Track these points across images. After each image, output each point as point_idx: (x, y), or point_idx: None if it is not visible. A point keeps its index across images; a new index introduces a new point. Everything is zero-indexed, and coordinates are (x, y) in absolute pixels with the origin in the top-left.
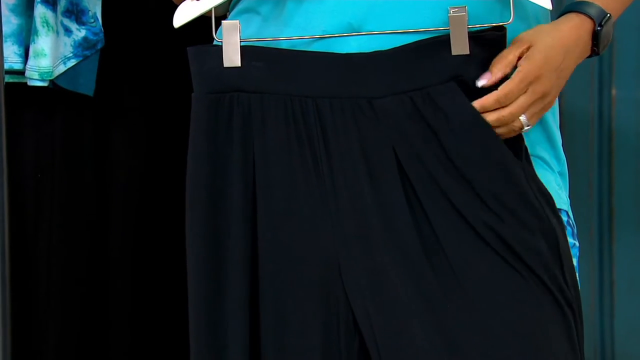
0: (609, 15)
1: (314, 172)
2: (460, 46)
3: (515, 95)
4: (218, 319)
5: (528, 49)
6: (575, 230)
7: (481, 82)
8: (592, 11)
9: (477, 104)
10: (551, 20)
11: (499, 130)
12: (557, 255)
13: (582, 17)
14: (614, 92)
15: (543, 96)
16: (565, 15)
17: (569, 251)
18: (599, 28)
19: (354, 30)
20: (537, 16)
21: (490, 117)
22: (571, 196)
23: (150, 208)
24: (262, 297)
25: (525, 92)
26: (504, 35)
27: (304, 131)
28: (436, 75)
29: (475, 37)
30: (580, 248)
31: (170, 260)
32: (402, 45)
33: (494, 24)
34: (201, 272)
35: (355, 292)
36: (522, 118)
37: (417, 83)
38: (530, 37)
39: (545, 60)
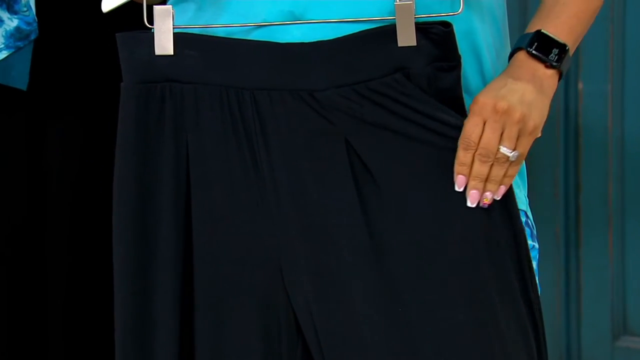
0: (539, 31)
1: (253, 168)
2: (406, 37)
3: (474, 130)
4: (145, 324)
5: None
6: (534, 232)
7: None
8: (520, 41)
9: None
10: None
11: (485, 170)
12: (517, 256)
13: (515, 54)
14: (580, 85)
15: (504, 111)
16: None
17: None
18: (529, 49)
19: (295, 19)
20: (492, 7)
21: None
22: (536, 196)
23: (86, 207)
24: (197, 303)
25: (487, 124)
26: (451, 32)
27: (241, 125)
28: (381, 67)
29: (422, 29)
30: (544, 250)
31: (108, 262)
32: (346, 36)
33: (442, 14)
34: (127, 273)
35: (298, 296)
36: (503, 149)
37: (361, 76)
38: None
39: (485, 90)
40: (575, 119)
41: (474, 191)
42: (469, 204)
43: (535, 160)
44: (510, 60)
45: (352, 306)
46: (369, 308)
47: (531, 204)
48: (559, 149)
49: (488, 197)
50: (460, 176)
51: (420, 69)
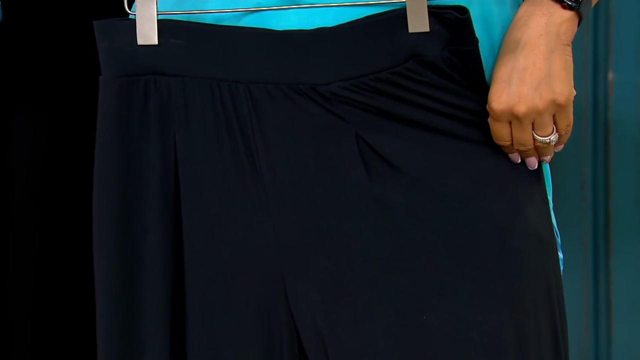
0: None
1: (250, 170)
2: (418, 22)
3: (502, 133)
4: (132, 345)
5: None
6: (559, 240)
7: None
8: None
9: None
10: None
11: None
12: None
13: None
14: (610, 75)
15: (531, 112)
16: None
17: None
18: None
19: (294, 3)
20: None
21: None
22: (560, 200)
23: (55, 209)
24: (189, 321)
25: (512, 125)
26: (468, 19)
27: (235, 122)
28: (391, 56)
29: (435, 14)
30: (570, 261)
31: (78, 269)
32: (351, 22)
33: None
34: (110, 288)
35: (304, 310)
36: (540, 138)
37: (369, 67)
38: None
39: (492, 80)
40: (605, 113)
41: (530, 158)
42: (530, 167)
43: (559, 160)
44: (520, 7)
45: (368, 320)
46: (387, 320)
47: (555, 209)
48: (587, 147)
49: (547, 159)
50: (512, 154)
51: (435, 55)
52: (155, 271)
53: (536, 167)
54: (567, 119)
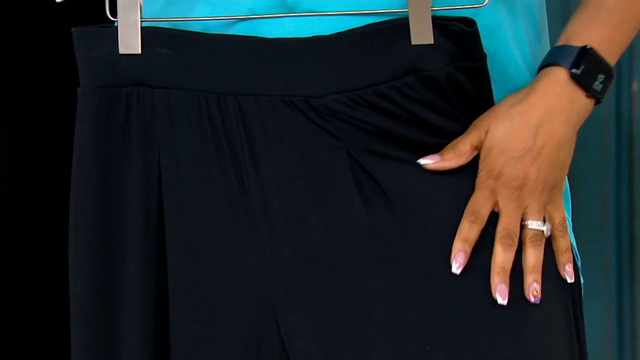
0: (587, 47)
1: (239, 189)
2: (421, 34)
3: (484, 205)
4: None
5: (486, 134)
6: (579, 263)
7: (423, 161)
8: (560, 56)
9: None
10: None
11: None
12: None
13: (551, 69)
14: (635, 86)
15: (521, 187)
16: (539, 73)
17: None
18: (574, 71)
19: (288, 10)
20: (528, 3)
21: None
22: (581, 221)
23: (32, 226)
24: (173, 353)
25: (497, 198)
26: (475, 32)
27: (223, 137)
28: (390, 69)
29: (440, 25)
30: (592, 287)
31: (55, 295)
32: (350, 30)
33: (465, 7)
34: (87, 317)
35: (297, 341)
36: (531, 224)
37: (367, 79)
38: (487, 122)
39: (502, 151)
40: (630, 126)
41: (501, 286)
42: (500, 301)
43: (580, 177)
44: (542, 77)
45: (366, 351)
46: (387, 351)
47: (576, 231)
48: (609, 163)
49: (537, 289)
50: (459, 254)
51: (438, 71)
52: (135, 299)
53: (506, 301)
54: (534, 200)
